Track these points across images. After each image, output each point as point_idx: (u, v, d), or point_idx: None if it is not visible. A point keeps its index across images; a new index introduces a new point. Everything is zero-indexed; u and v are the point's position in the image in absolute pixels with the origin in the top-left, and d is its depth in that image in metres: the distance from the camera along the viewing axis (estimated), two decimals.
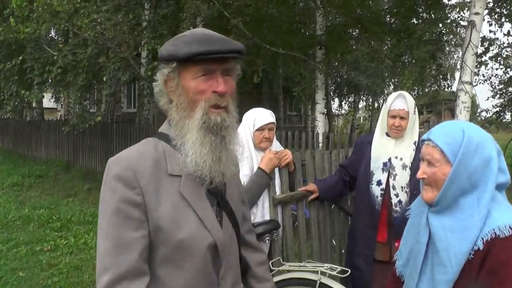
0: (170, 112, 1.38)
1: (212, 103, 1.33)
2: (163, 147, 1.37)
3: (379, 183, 2.96)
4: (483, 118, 14.64)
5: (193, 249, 1.33)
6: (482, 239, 1.47)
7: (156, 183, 1.30)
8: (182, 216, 1.32)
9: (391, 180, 2.92)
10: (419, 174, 1.65)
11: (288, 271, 2.83)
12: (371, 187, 2.99)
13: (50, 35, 13.46)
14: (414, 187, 2.81)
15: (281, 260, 2.95)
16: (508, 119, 14.27)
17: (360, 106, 32.22)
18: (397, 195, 2.88)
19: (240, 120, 2.75)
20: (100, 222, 1.29)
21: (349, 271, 2.74)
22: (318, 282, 2.65)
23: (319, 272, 2.67)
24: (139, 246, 1.27)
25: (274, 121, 2.98)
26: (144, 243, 1.28)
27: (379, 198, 2.95)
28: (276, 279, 2.78)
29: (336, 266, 2.73)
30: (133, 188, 1.27)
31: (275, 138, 3.08)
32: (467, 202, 1.54)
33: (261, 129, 2.91)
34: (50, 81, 10.73)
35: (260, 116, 2.93)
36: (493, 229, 1.46)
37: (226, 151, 1.37)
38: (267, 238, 2.94)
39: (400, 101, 2.92)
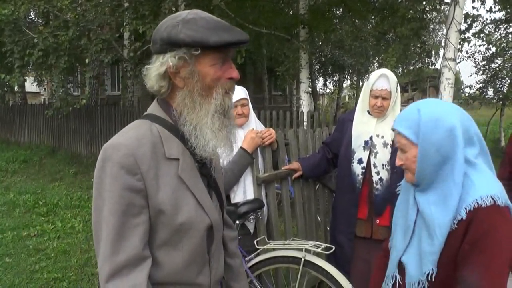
0: (175, 97, 1.38)
1: (227, 88, 1.40)
2: (158, 130, 1.36)
3: (360, 161, 2.96)
4: (466, 94, 14.74)
5: (192, 231, 1.36)
6: (465, 208, 1.50)
7: (155, 168, 1.31)
8: (181, 200, 1.34)
9: (372, 158, 2.93)
10: (397, 163, 1.72)
11: (273, 249, 2.84)
12: (352, 165, 2.99)
13: (29, 17, 13.22)
14: (394, 165, 2.83)
15: (266, 238, 2.97)
16: (490, 95, 14.40)
17: (344, 85, 32.28)
18: (378, 173, 2.90)
19: None
20: (99, 210, 1.27)
21: (333, 247, 2.77)
22: (303, 259, 2.66)
23: (304, 249, 2.68)
24: (140, 232, 1.28)
25: (247, 97, 2.94)
26: (145, 228, 1.29)
27: (360, 176, 2.96)
28: (261, 257, 2.81)
29: (321, 243, 2.74)
30: (135, 174, 1.26)
31: (255, 116, 3.05)
32: (444, 173, 1.57)
33: (233, 106, 2.87)
34: (31, 64, 10.57)
35: None
36: (476, 199, 1.49)
37: (231, 134, 1.45)
38: (252, 217, 2.96)
39: (383, 81, 2.89)
